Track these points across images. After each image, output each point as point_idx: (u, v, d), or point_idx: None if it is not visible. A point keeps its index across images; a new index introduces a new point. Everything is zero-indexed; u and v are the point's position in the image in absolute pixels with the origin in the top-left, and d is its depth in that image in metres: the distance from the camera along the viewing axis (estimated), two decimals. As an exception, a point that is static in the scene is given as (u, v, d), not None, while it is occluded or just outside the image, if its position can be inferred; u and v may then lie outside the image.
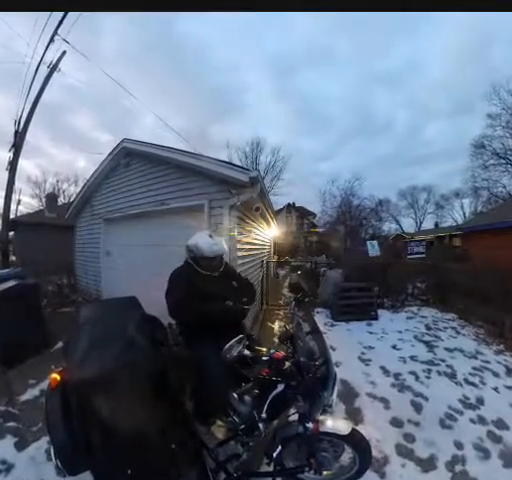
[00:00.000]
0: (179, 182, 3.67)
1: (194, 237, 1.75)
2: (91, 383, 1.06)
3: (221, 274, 1.79)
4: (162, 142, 3.76)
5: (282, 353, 1.33)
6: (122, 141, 4.34)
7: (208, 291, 1.62)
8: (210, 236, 1.72)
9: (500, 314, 4.12)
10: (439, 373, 2.85)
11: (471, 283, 5.29)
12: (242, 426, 1.31)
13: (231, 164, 3.24)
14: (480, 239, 8.92)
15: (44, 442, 1.75)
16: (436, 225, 31.94)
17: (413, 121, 62.55)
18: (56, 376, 1.19)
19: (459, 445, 1.86)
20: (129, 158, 4.44)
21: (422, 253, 7.08)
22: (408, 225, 35.18)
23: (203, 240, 1.69)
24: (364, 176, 23.75)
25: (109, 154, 4.65)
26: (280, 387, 1.27)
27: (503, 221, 7.83)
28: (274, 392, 1.27)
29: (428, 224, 34.67)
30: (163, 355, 1.39)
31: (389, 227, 30.46)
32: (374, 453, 1.56)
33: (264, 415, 1.25)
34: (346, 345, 3.56)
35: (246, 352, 1.30)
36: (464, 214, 30.22)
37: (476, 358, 3.22)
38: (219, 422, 1.47)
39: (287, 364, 1.27)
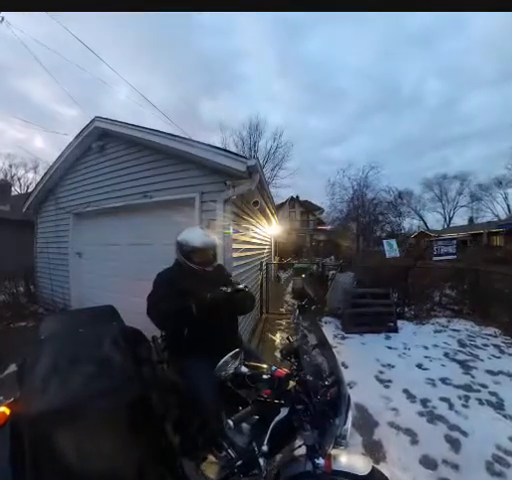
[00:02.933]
0: (165, 171, 3.64)
1: (184, 232, 1.84)
2: (52, 417, 1.01)
3: (214, 270, 1.87)
4: (141, 120, 3.71)
5: (285, 370, 1.32)
6: (94, 120, 4.25)
7: (197, 287, 1.61)
8: (201, 228, 1.87)
9: None
10: (480, 402, 2.73)
11: None
12: (239, 462, 1.27)
13: (226, 151, 3.23)
14: None
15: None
16: (470, 221, 31.13)
17: (448, 92, 59.37)
18: (4, 410, 1.14)
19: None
20: (103, 141, 4.36)
21: (453, 254, 7.03)
22: (434, 221, 34.96)
23: (193, 232, 1.82)
24: (382, 163, 23.30)
25: (78, 135, 4.54)
26: (283, 412, 1.24)
27: None
28: (277, 418, 1.24)
29: (459, 220, 34.20)
30: (145, 377, 1.37)
31: (410, 224, 29.90)
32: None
33: (265, 448, 1.20)
34: (360, 362, 3.54)
35: (243, 369, 1.29)
36: (509, 207, 29.62)
37: None
38: (211, 458, 1.45)
39: (291, 384, 1.25)
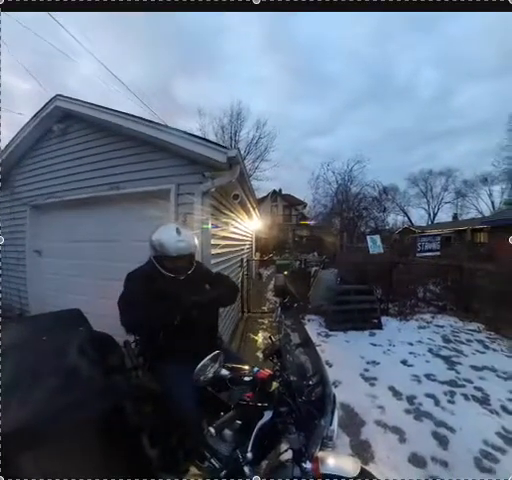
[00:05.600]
0: (137, 160, 3.50)
1: (159, 231, 1.76)
2: (14, 439, 0.95)
3: (188, 278, 1.77)
4: (108, 101, 3.55)
5: (268, 371, 1.33)
6: (55, 98, 4.00)
7: (169, 297, 1.57)
8: (177, 231, 1.72)
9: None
10: (466, 397, 2.87)
11: (504, 287, 5.41)
12: (223, 472, 1.25)
13: (205, 140, 3.15)
14: None
15: None
16: (455, 217, 32.29)
17: (443, 83, 57.92)
18: None
19: (509, 497, 1.79)
20: (66, 123, 4.12)
21: (436, 250, 7.33)
22: (418, 217, 36.13)
23: (167, 235, 1.70)
24: (368, 157, 23.79)
25: (36, 115, 4.26)
26: (267, 415, 1.23)
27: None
28: (260, 422, 1.22)
29: (444, 216, 35.47)
30: (117, 386, 1.36)
31: (395, 219, 31.18)
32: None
33: (249, 455, 1.19)
34: (345, 360, 3.63)
35: (224, 372, 1.28)
36: (493, 204, 31.09)
37: None
38: (193, 470, 1.44)
39: (274, 385, 1.26)
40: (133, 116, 3.36)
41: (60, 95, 3.97)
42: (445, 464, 2.01)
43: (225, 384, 1.33)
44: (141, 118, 3.34)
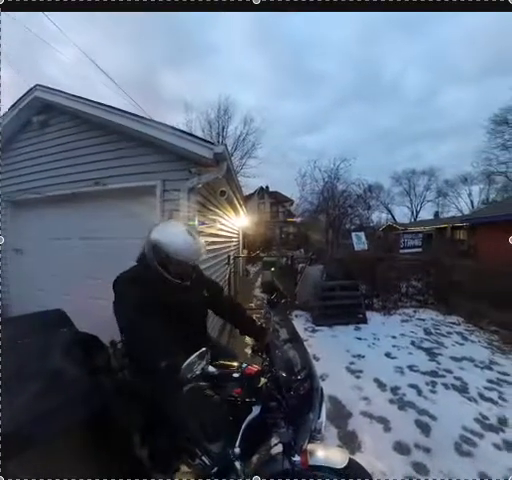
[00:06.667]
0: (121, 155, 3.42)
1: (163, 231, 1.54)
2: None
3: (193, 283, 1.64)
4: (91, 92, 3.44)
5: (256, 367, 1.34)
6: (34, 88, 3.84)
7: (175, 304, 1.49)
8: (189, 233, 1.54)
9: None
10: (446, 386, 2.99)
11: (481, 282, 5.71)
12: (214, 469, 1.25)
13: (191, 135, 3.11)
14: (491, 232, 9.38)
15: None
16: (436, 215, 33.54)
17: (429, 84, 60.00)
18: None
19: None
20: (46, 115, 3.96)
21: (418, 247, 7.55)
22: (402, 215, 37.35)
23: (181, 239, 1.50)
24: (354, 155, 24.08)
25: (14, 106, 4.07)
26: (256, 411, 1.25)
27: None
28: (249, 418, 1.24)
29: (426, 214, 36.74)
30: (104, 387, 1.33)
31: (379, 217, 31.62)
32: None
33: (237, 450, 1.20)
34: (332, 354, 3.71)
35: (211, 369, 1.25)
36: (472, 203, 32.34)
37: (491, 369, 3.43)
38: (184, 468, 1.42)
39: (262, 381, 1.28)
40: (118, 109, 3.27)
41: (40, 85, 3.81)
42: (428, 450, 2.09)
43: (214, 381, 1.30)
44: (126, 111, 3.26)
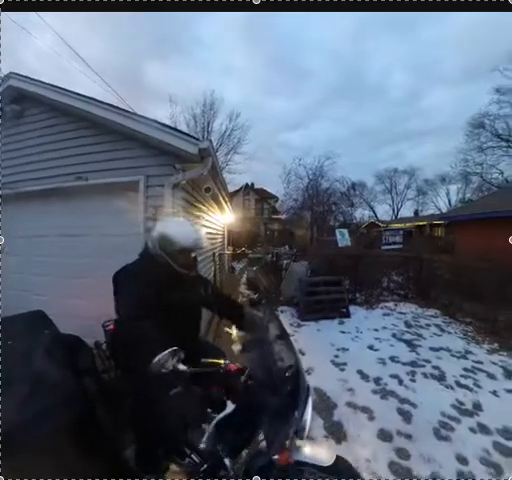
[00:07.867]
0: (103, 149, 3.31)
1: (168, 224, 1.63)
2: None
3: (196, 274, 1.72)
4: (70, 82, 3.29)
5: (237, 365, 1.33)
6: (9, 76, 3.64)
7: (176, 299, 1.48)
8: (191, 224, 1.67)
9: (491, 310, 4.69)
10: (425, 375, 3.13)
11: (456, 277, 5.98)
12: (204, 466, 1.23)
13: (176, 130, 3.06)
14: (467, 230, 9.82)
15: None
16: (416, 213, 34.89)
17: (412, 84, 59.25)
18: None
19: (462, 460, 1.99)
20: (21, 105, 3.78)
21: (399, 243, 7.80)
22: (383, 212, 38.19)
23: (181, 227, 1.59)
24: (338, 153, 24.64)
25: (-13, 95, 3.86)
26: (230, 408, 1.25)
27: (496, 211, 8.39)
28: (221, 415, 1.24)
29: (406, 212, 37.89)
30: (88, 389, 1.30)
31: (362, 214, 32.84)
32: (366, 477, 1.60)
33: (203, 445, 1.19)
34: (317, 348, 3.77)
35: (181, 367, 1.21)
36: (450, 202, 33.62)
37: (466, 358, 3.61)
38: (173, 467, 1.39)
39: (243, 378, 1.27)
40: (99, 101, 3.17)
41: (14, 73, 3.62)
42: (409, 437, 2.18)
43: (195, 379, 1.28)
44: (108, 104, 3.16)
